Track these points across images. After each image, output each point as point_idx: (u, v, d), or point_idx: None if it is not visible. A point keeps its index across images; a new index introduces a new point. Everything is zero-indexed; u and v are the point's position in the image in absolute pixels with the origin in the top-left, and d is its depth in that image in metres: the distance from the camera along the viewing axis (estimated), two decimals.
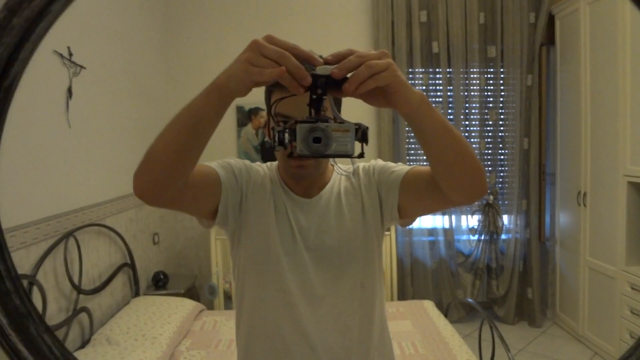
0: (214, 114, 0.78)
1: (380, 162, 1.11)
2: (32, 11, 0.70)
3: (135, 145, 2.80)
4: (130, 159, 2.74)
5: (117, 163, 2.62)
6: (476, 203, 3.72)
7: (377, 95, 0.77)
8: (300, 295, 1.02)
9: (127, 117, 2.80)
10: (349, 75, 0.73)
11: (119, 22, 2.72)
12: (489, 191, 3.72)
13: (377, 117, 3.62)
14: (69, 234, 2.08)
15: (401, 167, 1.05)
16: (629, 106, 2.78)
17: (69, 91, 2.11)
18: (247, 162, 1.10)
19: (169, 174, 0.82)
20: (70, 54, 2.10)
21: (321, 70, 0.73)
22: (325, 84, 0.75)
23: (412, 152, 3.70)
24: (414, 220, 1.10)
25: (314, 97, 0.77)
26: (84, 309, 2.14)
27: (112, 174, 2.57)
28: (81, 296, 2.14)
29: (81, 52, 2.18)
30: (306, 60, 0.72)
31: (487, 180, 3.72)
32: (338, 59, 0.74)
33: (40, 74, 1.90)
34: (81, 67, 2.18)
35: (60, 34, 2.01)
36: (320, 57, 0.75)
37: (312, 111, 0.78)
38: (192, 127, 0.79)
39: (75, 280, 2.10)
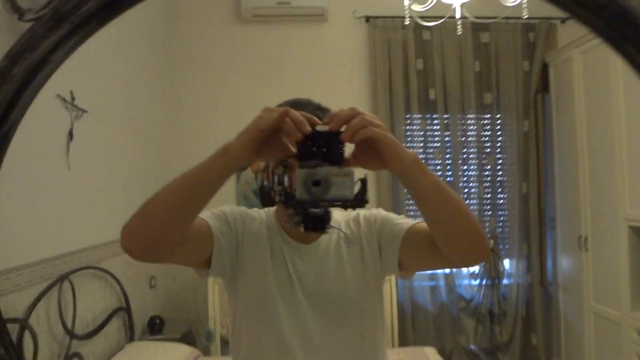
0: (217, 179, 0.82)
1: (382, 212, 1.12)
2: (33, 61, 0.72)
3: (133, 189, 2.81)
4: (127, 202, 2.74)
5: (114, 206, 2.62)
6: None
7: (371, 156, 0.81)
8: (298, 343, 1.01)
9: (126, 161, 2.83)
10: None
11: (122, 68, 2.79)
12: (489, 236, 3.70)
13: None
14: (64, 277, 2.06)
15: (404, 221, 1.05)
16: (626, 150, 2.80)
17: (70, 134, 2.14)
18: (243, 208, 1.11)
19: (162, 231, 0.84)
20: (73, 98, 2.14)
21: (320, 128, 0.79)
22: (323, 139, 0.79)
23: (412, 203, 3.69)
24: (413, 274, 1.10)
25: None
26: (76, 355, 2.08)
27: (109, 216, 2.57)
28: (74, 341, 2.10)
29: (83, 96, 2.22)
30: (306, 119, 0.79)
31: (483, 222, 3.71)
32: (333, 118, 0.81)
33: (42, 117, 1.93)
34: (83, 110, 2.22)
35: (63, 78, 2.05)
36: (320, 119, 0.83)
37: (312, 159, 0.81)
38: (192, 191, 0.83)
39: (69, 324, 2.06)
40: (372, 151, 0.80)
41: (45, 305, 1.94)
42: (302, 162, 0.78)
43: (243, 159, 0.80)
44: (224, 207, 1.07)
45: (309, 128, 0.77)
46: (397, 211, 3.50)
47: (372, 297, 1.06)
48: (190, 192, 0.83)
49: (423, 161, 3.41)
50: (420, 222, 1.02)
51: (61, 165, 2.10)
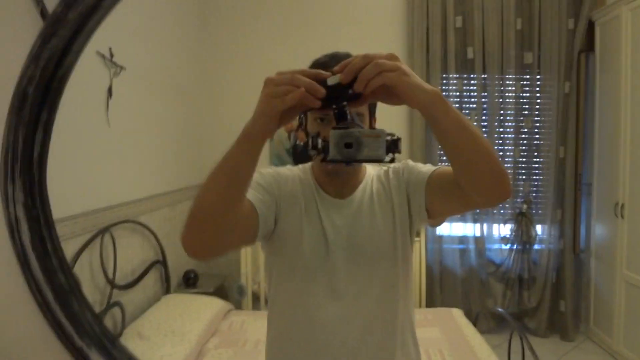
0: (250, 162, 0.83)
1: (410, 162, 1.12)
2: (86, 6, 0.72)
3: (170, 145, 2.88)
4: (163, 158, 2.81)
5: (152, 161, 2.69)
6: (509, 211, 3.66)
7: (390, 95, 0.81)
8: (329, 298, 1.04)
9: (163, 117, 2.88)
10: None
11: (157, 25, 2.80)
12: (521, 200, 3.65)
13: (409, 123, 3.61)
14: (105, 230, 2.14)
15: (428, 168, 1.06)
16: None
17: (110, 91, 2.17)
18: (273, 170, 1.11)
19: (219, 227, 0.85)
20: (112, 55, 2.16)
21: (331, 80, 0.78)
22: (340, 93, 0.79)
23: (445, 158, 3.65)
24: (443, 220, 1.11)
25: (334, 107, 0.82)
26: (117, 303, 2.19)
27: (148, 172, 2.64)
28: (114, 291, 2.20)
29: (121, 53, 2.24)
30: (314, 77, 0.78)
31: (517, 186, 3.66)
32: (343, 68, 0.78)
33: (83, 73, 1.97)
34: (122, 67, 2.24)
35: (102, 36, 2.07)
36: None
37: (338, 119, 0.82)
38: (231, 180, 0.83)
39: (110, 275, 2.16)
40: (389, 90, 0.80)
41: (88, 256, 2.03)
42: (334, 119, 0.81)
43: (267, 136, 0.81)
44: (256, 177, 1.06)
45: (322, 91, 0.77)
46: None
47: (401, 250, 1.08)
48: (231, 185, 0.83)
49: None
50: (443, 166, 1.02)
51: (101, 122, 2.14)
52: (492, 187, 0.88)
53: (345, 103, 0.81)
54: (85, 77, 1.99)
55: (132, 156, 2.47)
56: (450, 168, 0.93)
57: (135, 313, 2.38)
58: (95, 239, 2.06)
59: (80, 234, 1.98)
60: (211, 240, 0.86)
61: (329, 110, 0.82)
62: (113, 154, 2.26)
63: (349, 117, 0.82)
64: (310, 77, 0.77)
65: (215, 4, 3.63)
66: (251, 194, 1.00)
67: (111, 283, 2.16)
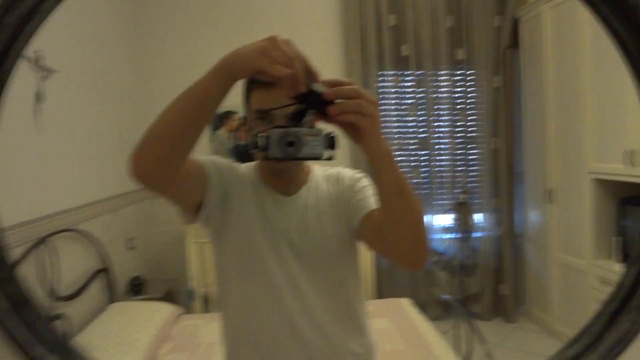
0: (217, 92, 0.82)
1: (365, 182, 1.13)
2: (24, 10, 0.68)
3: (108, 149, 2.78)
4: (102, 162, 2.71)
5: (91, 167, 2.59)
6: (449, 202, 3.80)
7: (352, 132, 0.83)
8: (287, 288, 1.05)
9: (101, 120, 2.78)
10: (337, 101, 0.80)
11: (89, 26, 2.71)
12: (460, 190, 3.79)
13: None
14: (44, 240, 2.04)
15: (374, 200, 1.07)
16: (591, 105, 2.88)
17: (39, 95, 2.08)
18: (230, 161, 1.12)
19: (171, 153, 0.84)
20: (39, 58, 2.07)
21: (316, 87, 0.80)
22: (314, 100, 0.81)
23: None
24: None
25: (301, 107, 0.83)
26: (61, 316, 2.10)
27: (86, 178, 2.54)
28: (57, 303, 2.10)
29: (51, 55, 2.15)
30: (309, 74, 0.79)
31: (455, 177, 3.83)
32: (334, 85, 0.80)
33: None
34: (51, 71, 2.15)
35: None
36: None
37: (294, 118, 0.84)
38: (196, 105, 0.83)
39: (51, 287, 2.07)
40: (354, 128, 0.82)
41: (26, 268, 1.93)
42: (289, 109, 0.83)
43: (237, 78, 0.82)
44: (213, 157, 1.08)
45: (303, 89, 0.78)
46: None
47: (349, 249, 1.11)
48: (194, 114, 0.83)
49: (397, 120, 3.36)
50: None
51: (31, 127, 2.05)
52: (408, 253, 0.93)
53: (310, 110, 0.83)
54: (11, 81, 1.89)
55: (69, 162, 2.37)
56: None
57: (80, 325, 2.29)
58: (33, 250, 1.97)
59: (17, 246, 1.88)
60: (160, 163, 0.84)
61: (284, 105, 0.84)
62: (48, 160, 2.17)
63: (303, 120, 0.83)
64: (305, 70, 0.78)
65: (150, 5, 3.55)
66: (207, 166, 1.02)
67: (53, 295, 2.07)
